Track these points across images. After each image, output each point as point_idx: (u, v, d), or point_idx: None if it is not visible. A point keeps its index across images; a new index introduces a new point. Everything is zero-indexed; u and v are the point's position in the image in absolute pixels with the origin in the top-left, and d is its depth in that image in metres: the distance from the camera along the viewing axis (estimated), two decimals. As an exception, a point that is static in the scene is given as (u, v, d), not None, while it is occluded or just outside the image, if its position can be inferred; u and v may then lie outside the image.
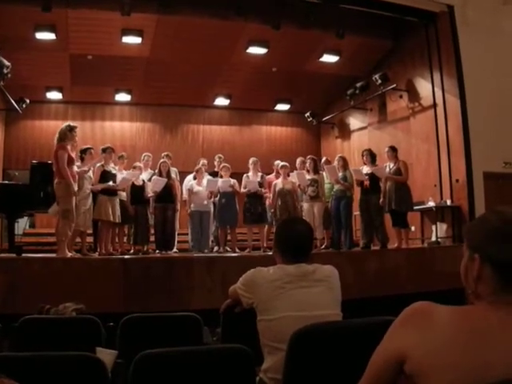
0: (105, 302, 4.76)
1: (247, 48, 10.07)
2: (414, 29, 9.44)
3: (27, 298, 4.53)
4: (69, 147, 5.89)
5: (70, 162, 5.83)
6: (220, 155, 8.72)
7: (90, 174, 6.62)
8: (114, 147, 7.29)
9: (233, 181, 7.65)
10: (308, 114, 12.24)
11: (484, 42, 8.36)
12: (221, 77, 11.22)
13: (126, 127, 12.20)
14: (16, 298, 4.79)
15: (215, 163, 8.56)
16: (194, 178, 7.91)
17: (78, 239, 6.62)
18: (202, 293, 5.40)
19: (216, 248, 7.85)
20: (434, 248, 7.79)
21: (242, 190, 7.68)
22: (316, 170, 7.65)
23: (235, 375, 1.77)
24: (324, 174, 7.76)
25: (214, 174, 8.07)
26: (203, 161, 8.44)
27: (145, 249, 7.32)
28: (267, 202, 7.84)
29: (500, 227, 1.14)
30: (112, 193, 6.78)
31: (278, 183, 7.54)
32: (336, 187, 7.44)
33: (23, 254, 5.89)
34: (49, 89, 11.16)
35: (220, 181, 7.61)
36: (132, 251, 7.37)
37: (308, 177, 7.56)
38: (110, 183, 6.77)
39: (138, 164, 7.66)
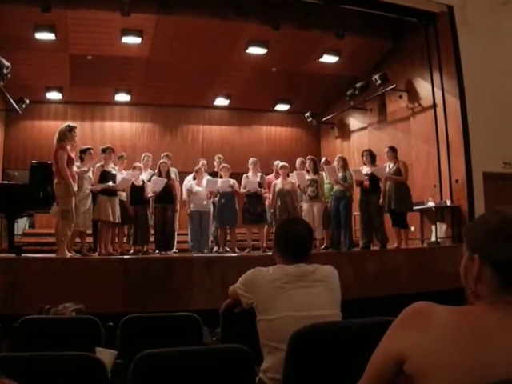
0: (104, 302, 4.77)
1: (247, 48, 10.08)
2: (414, 29, 9.44)
3: (27, 298, 4.53)
4: (68, 147, 5.89)
5: (70, 162, 5.83)
6: (220, 155, 8.71)
7: (90, 174, 6.62)
8: (113, 147, 7.29)
9: (232, 181, 7.64)
10: (308, 114, 12.23)
11: (484, 42, 8.36)
12: (220, 77, 11.21)
13: (125, 127, 12.20)
14: (16, 298, 4.80)
15: (215, 163, 8.55)
16: (194, 179, 7.91)
17: (78, 239, 6.62)
18: (202, 293, 5.40)
19: (215, 248, 7.84)
20: (434, 248, 7.79)
21: (242, 190, 7.68)
22: (316, 170, 7.66)
23: (235, 375, 1.77)
24: (324, 174, 7.76)
25: (214, 175, 8.06)
26: (203, 161, 8.43)
27: (144, 249, 7.32)
28: (267, 203, 7.84)
29: (500, 227, 1.14)
30: (112, 193, 6.78)
31: (278, 183, 7.54)
32: (336, 187, 7.45)
33: (23, 254, 5.89)
34: (48, 89, 11.16)
35: (220, 181, 7.60)
36: (132, 251, 7.36)
37: (308, 177, 7.56)
38: (110, 183, 6.77)
39: (137, 164, 7.65)
